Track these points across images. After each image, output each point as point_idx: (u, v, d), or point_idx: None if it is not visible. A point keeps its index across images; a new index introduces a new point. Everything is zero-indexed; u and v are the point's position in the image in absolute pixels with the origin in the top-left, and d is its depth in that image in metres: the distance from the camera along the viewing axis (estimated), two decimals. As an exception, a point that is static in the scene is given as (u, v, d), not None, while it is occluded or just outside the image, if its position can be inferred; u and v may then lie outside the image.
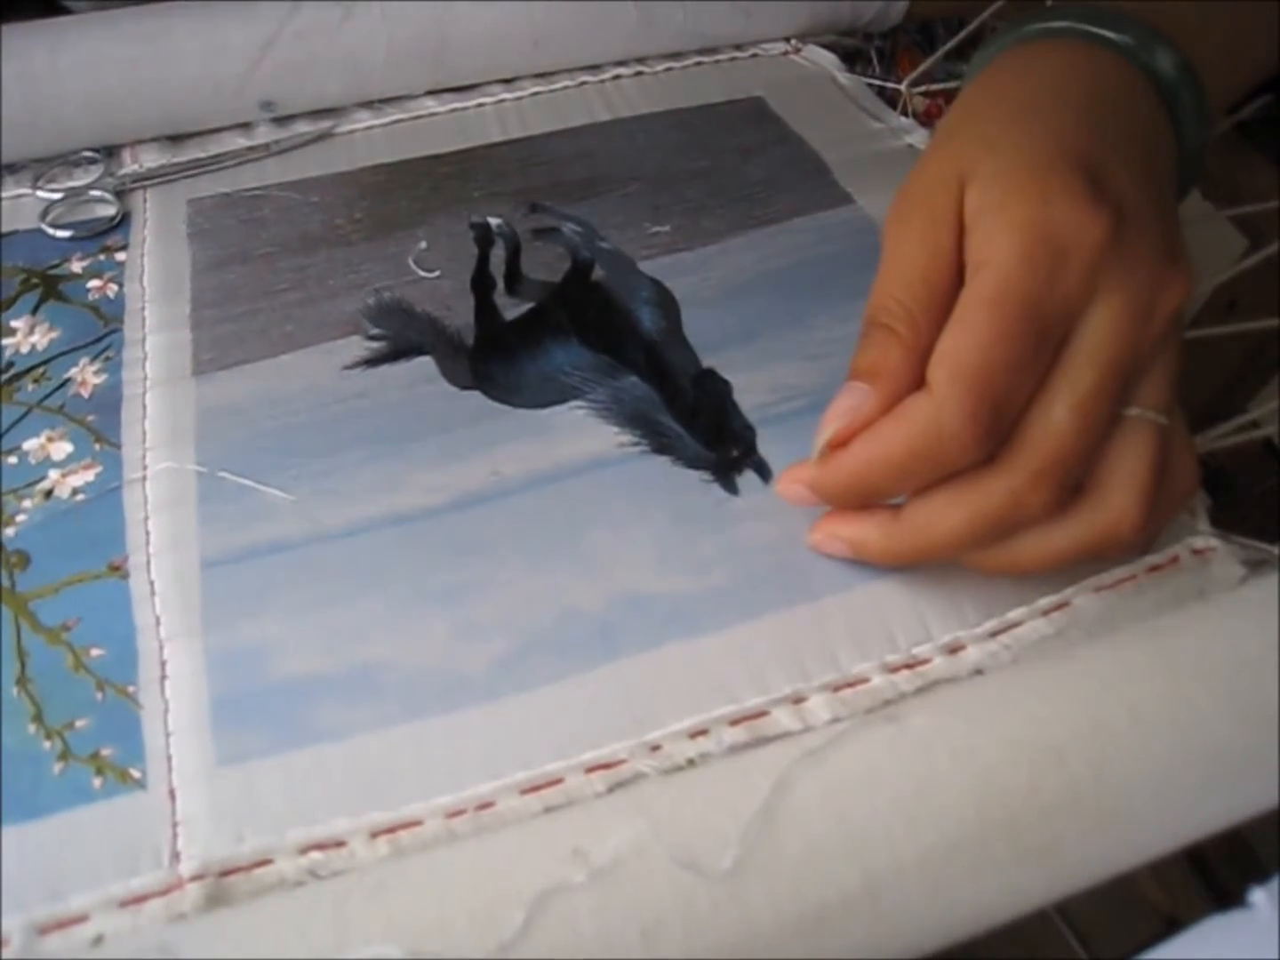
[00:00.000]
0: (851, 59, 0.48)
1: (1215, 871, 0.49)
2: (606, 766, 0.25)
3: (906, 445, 0.25)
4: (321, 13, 0.41)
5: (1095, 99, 0.27)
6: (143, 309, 0.36)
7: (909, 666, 0.27)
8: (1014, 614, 0.28)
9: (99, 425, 0.32)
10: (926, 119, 0.45)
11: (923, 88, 0.45)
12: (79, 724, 0.26)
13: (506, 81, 0.45)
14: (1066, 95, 0.27)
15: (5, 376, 0.34)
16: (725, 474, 0.31)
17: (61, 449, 0.32)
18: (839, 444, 0.26)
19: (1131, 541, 0.25)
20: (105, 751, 0.25)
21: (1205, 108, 0.29)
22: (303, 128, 0.43)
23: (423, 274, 0.37)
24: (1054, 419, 0.24)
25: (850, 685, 0.26)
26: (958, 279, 0.25)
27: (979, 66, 0.31)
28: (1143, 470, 0.25)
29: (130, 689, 0.27)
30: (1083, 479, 0.25)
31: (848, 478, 0.26)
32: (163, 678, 0.27)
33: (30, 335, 0.35)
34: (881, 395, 0.25)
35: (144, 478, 0.31)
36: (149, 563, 0.29)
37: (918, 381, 0.25)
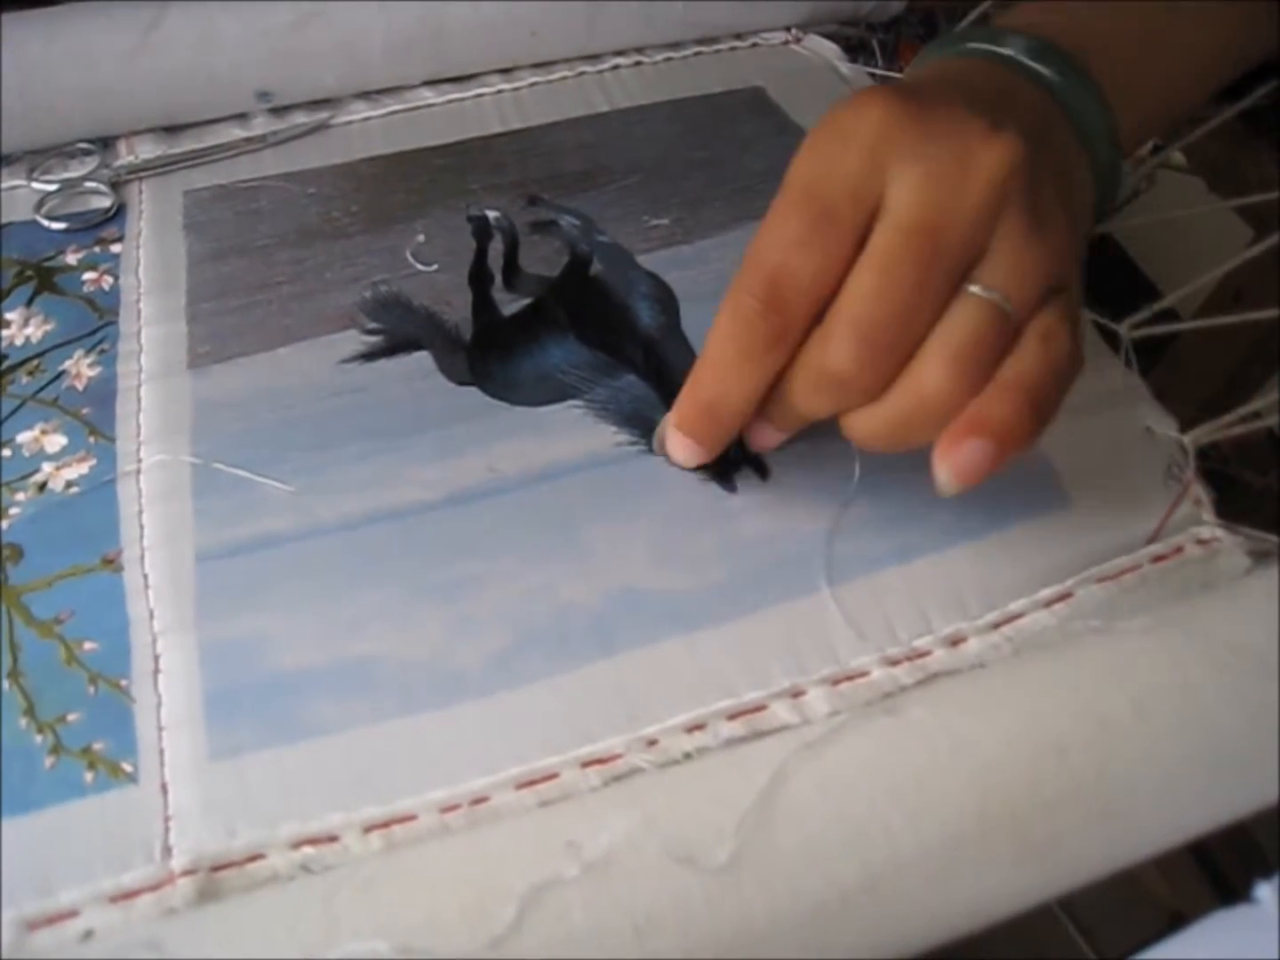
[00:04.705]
0: (854, 51, 0.48)
1: (1220, 866, 0.49)
2: (602, 761, 0.25)
3: (716, 333, 0.26)
4: (317, 2, 0.40)
5: (946, 79, 0.28)
6: (138, 301, 0.36)
7: (909, 659, 0.27)
8: (1015, 605, 0.27)
9: (93, 418, 0.32)
10: (928, 110, 0.45)
11: (924, 78, 0.45)
12: (71, 718, 0.26)
13: (504, 72, 0.44)
14: (919, 77, 0.29)
15: (-1, 369, 0.34)
16: (723, 471, 0.31)
17: (55, 442, 0.32)
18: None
19: (941, 410, 0.24)
20: (97, 745, 0.25)
21: (1072, 70, 0.28)
22: (300, 119, 0.42)
23: (420, 267, 0.37)
24: (856, 281, 0.24)
25: (850, 678, 0.26)
26: None
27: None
28: (956, 337, 0.24)
29: (123, 683, 0.26)
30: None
31: (691, 392, 0.27)
32: (156, 671, 0.27)
33: (25, 327, 0.35)
34: None
35: (138, 471, 0.31)
36: (143, 556, 0.29)
37: None
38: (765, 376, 0.26)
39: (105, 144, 0.41)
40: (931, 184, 0.24)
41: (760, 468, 0.31)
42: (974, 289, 0.24)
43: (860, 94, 0.25)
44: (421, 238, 0.38)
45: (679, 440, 0.28)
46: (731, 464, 0.31)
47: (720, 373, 0.26)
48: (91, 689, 0.26)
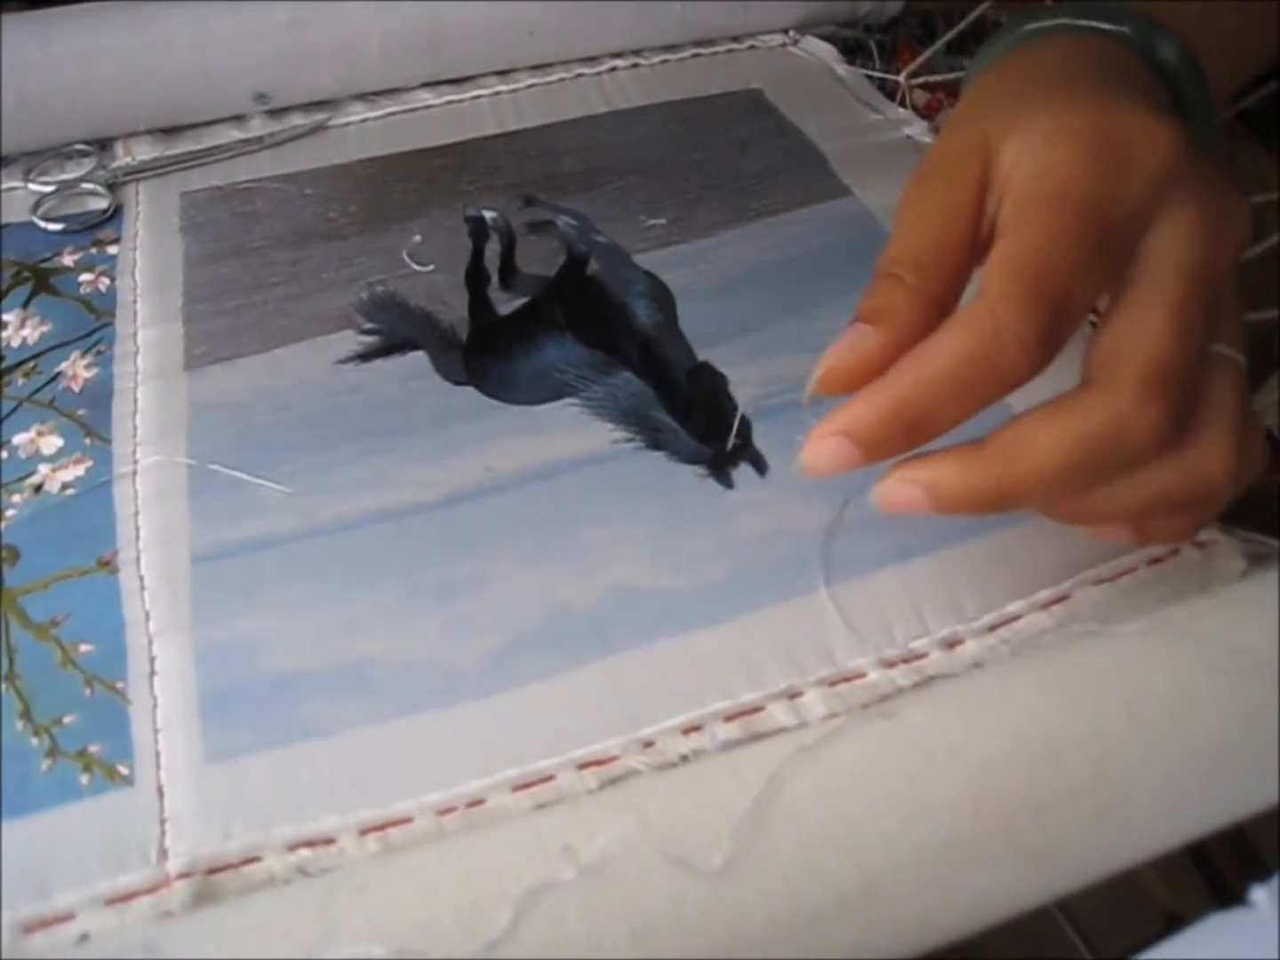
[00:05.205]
0: (851, 52, 0.48)
1: (1218, 868, 0.48)
2: (599, 763, 0.25)
3: (959, 350, 0.21)
4: (315, 4, 0.40)
5: (1110, 72, 0.26)
6: (135, 303, 0.36)
7: (906, 661, 0.26)
8: (1012, 607, 0.27)
9: (89, 420, 0.32)
10: (926, 112, 0.45)
11: (922, 79, 0.45)
12: (67, 720, 0.26)
13: (502, 74, 0.45)
14: (1083, 71, 0.26)
15: (-5, 370, 0.34)
16: (721, 468, 0.31)
17: (51, 443, 0.32)
18: (837, 378, 0.23)
19: (1221, 488, 0.23)
20: (93, 748, 0.25)
21: (1209, 98, 0.29)
22: (297, 120, 0.42)
23: (417, 268, 0.37)
24: (1152, 326, 0.22)
25: (846, 680, 0.26)
26: (972, 238, 0.23)
27: (980, 66, 0.30)
28: (1233, 409, 0.23)
29: (119, 685, 0.26)
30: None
31: (893, 402, 0.22)
32: (151, 673, 0.27)
33: (21, 329, 0.35)
34: (885, 334, 0.22)
35: (134, 472, 0.31)
36: (139, 558, 0.29)
37: (927, 330, 0.22)
38: (988, 405, 0.22)
39: (102, 145, 0.41)
40: (1202, 229, 0.23)
41: (758, 463, 0.31)
42: (1229, 352, 0.23)
43: (1141, 113, 0.23)
44: (418, 238, 0.38)
45: (839, 446, 0.22)
46: (730, 457, 0.31)
47: (948, 393, 0.22)
48: (87, 691, 0.26)
